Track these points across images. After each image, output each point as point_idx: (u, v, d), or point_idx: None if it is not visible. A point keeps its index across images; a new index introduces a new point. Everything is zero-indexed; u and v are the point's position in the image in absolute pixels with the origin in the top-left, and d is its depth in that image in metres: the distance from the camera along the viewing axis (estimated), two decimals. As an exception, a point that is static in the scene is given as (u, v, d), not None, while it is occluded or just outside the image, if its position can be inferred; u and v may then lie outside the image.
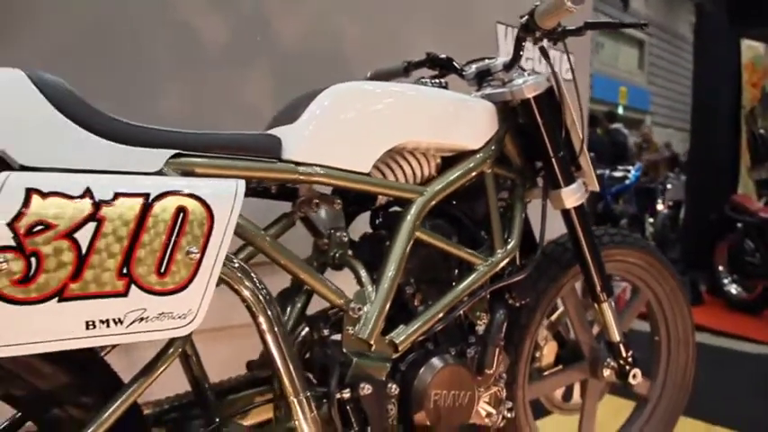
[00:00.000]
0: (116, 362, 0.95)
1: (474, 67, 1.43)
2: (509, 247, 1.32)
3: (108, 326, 0.75)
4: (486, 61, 1.41)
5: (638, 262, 1.67)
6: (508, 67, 1.34)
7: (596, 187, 1.46)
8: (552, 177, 1.38)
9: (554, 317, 1.63)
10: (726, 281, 4.48)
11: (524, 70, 1.38)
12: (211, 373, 1.09)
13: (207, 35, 1.68)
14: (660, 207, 6.74)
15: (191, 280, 0.80)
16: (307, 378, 1.05)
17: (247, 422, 1.13)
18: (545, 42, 1.31)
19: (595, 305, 1.51)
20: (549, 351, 1.62)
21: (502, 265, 1.30)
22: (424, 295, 1.25)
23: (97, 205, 0.74)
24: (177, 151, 0.91)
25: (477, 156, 1.28)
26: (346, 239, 1.19)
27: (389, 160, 1.21)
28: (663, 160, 7.93)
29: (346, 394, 1.06)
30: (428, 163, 1.25)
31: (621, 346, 1.54)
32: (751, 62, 5.45)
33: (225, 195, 0.84)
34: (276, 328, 0.95)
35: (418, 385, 1.14)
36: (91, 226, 0.73)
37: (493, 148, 1.31)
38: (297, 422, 0.97)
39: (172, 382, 1.03)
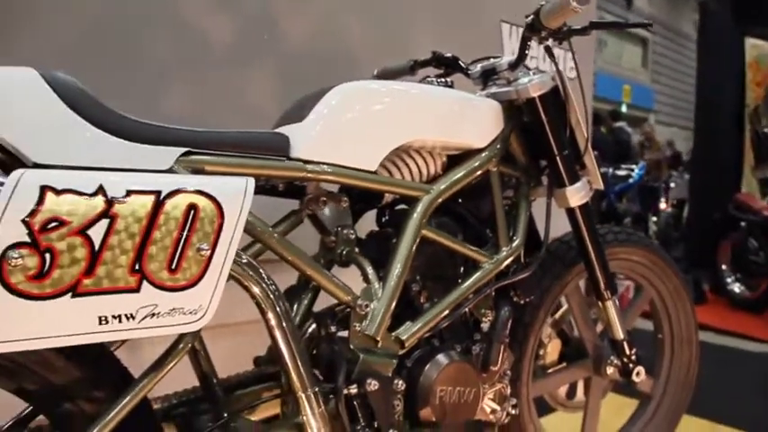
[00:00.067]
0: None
1: (479, 66, 1.43)
2: (514, 245, 1.33)
3: (120, 321, 0.76)
4: (492, 60, 1.42)
5: (642, 260, 1.68)
6: (513, 66, 1.35)
7: (600, 186, 1.47)
8: (557, 176, 1.39)
9: (558, 315, 1.64)
10: (729, 279, 4.49)
11: (529, 69, 1.39)
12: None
13: (213, 35, 1.69)
14: (663, 206, 6.74)
15: (201, 276, 0.81)
16: (314, 374, 1.06)
17: (255, 417, 1.14)
18: (550, 42, 1.31)
19: (599, 303, 1.52)
20: (552, 349, 1.63)
21: (507, 262, 1.31)
22: (430, 292, 1.25)
23: (110, 202, 0.75)
24: (187, 149, 0.92)
25: (483, 154, 1.29)
26: (353, 237, 1.20)
27: (396, 159, 1.22)
28: (665, 159, 7.92)
29: (353, 390, 1.07)
30: (434, 161, 1.26)
31: (625, 343, 1.55)
32: (755, 61, 5.44)
33: (235, 193, 0.84)
34: (285, 324, 0.96)
35: (424, 381, 1.15)
36: (104, 223, 0.74)
37: (498, 146, 1.32)
38: (305, 417, 0.98)
39: (178, 378, 1.04)
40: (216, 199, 0.82)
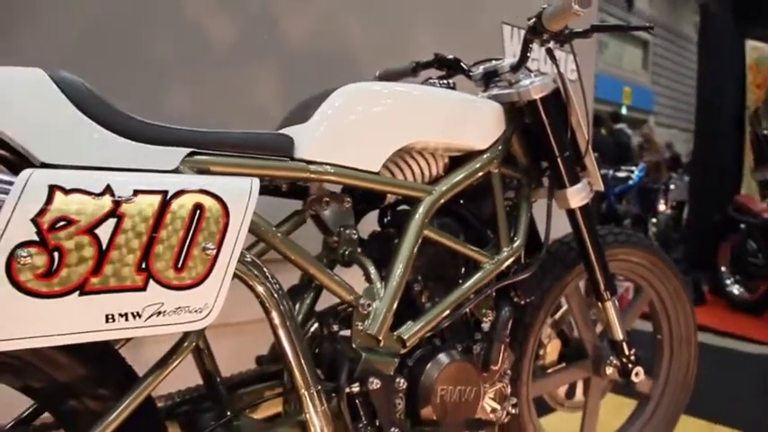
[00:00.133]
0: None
1: (481, 67, 1.44)
2: (515, 245, 1.34)
3: (127, 319, 0.77)
4: (494, 62, 1.43)
5: (642, 261, 1.68)
6: (515, 68, 1.36)
7: (601, 187, 1.48)
8: (558, 177, 1.40)
9: (558, 315, 1.64)
10: (728, 281, 4.50)
11: (531, 71, 1.40)
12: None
13: (214, 35, 1.69)
14: (661, 208, 6.75)
15: (207, 275, 0.82)
16: (316, 372, 1.07)
17: (258, 415, 1.16)
18: (552, 44, 1.32)
19: (599, 304, 1.52)
20: (552, 349, 1.64)
21: (507, 263, 1.32)
22: (432, 292, 1.27)
23: (117, 202, 0.76)
24: (192, 149, 0.93)
25: (485, 156, 1.30)
26: (356, 237, 1.21)
27: (398, 160, 1.23)
28: (664, 161, 7.93)
29: (356, 388, 1.08)
30: (436, 163, 1.27)
31: (624, 344, 1.56)
32: (755, 63, 5.45)
33: (240, 193, 0.86)
34: (288, 323, 0.97)
35: (425, 380, 1.16)
36: (111, 222, 0.75)
37: (500, 148, 1.33)
38: (307, 415, 0.99)
39: (182, 377, 1.05)
40: (221, 199, 0.83)
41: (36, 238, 0.71)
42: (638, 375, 1.57)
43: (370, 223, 1.36)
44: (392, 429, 1.10)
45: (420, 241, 1.19)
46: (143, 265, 0.78)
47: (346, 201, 1.20)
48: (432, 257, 1.26)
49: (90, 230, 0.74)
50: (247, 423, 1.09)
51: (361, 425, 1.08)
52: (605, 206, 6.43)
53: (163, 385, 0.91)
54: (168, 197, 0.79)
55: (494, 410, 1.31)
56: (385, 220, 1.36)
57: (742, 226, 4.33)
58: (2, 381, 0.84)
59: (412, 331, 1.16)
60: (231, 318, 0.98)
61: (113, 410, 0.85)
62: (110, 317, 0.76)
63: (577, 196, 1.40)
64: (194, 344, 0.91)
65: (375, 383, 1.08)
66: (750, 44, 5.42)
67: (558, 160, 1.38)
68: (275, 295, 0.95)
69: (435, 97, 1.26)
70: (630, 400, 1.89)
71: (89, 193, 0.75)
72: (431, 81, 1.42)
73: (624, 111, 14.17)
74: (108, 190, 0.76)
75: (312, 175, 1.06)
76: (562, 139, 1.38)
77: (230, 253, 0.84)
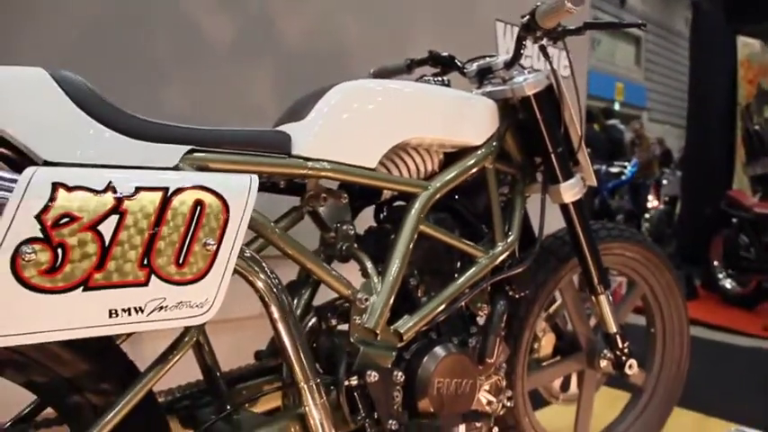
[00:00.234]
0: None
1: (475, 65, 1.46)
2: (509, 240, 1.36)
3: (130, 314, 0.78)
4: (488, 59, 1.45)
5: (635, 255, 1.70)
6: (509, 65, 1.38)
7: (594, 182, 1.50)
8: (551, 172, 1.42)
9: (552, 309, 1.66)
10: (720, 276, 4.52)
11: (524, 68, 1.41)
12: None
13: (210, 34, 1.70)
14: (655, 203, 6.79)
15: (208, 270, 0.83)
16: (315, 366, 1.08)
17: (257, 409, 1.17)
18: (545, 41, 1.34)
19: (593, 297, 1.54)
20: (547, 342, 1.66)
21: (502, 257, 1.34)
22: (428, 287, 1.28)
23: (119, 199, 0.77)
24: (192, 147, 0.94)
25: (479, 152, 1.32)
26: (353, 233, 1.22)
27: (394, 156, 1.24)
28: (654, 158, 7.96)
29: (354, 381, 1.09)
30: (431, 159, 1.29)
31: (618, 337, 1.58)
32: (747, 59, 5.49)
33: (240, 189, 0.87)
34: (288, 317, 0.98)
35: (422, 373, 1.18)
36: (113, 218, 0.76)
37: (494, 144, 1.34)
38: (306, 408, 1.00)
39: (182, 372, 1.06)
40: (221, 195, 0.84)
41: (40, 234, 0.72)
42: (632, 368, 1.59)
43: (366, 219, 1.37)
44: (390, 421, 1.11)
45: (416, 236, 1.20)
46: (145, 261, 0.79)
47: (343, 197, 1.22)
48: (427, 252, 1.28)
49: (93, 227, 0.75)
50: (247, 417, 1.10)
51: (359, 417, 1.10)
52: (598, 202, 6.46)
53: (163, 380, 0.92)
54: (169, 194, 0.80)
55: (489, 403, 1.33)
56: (381, 215, 1.37)
57: (734, 221, 4.36)
58: (6, 376, 0.85)
59: (409, 325, 1.18)
60: (230, 314, 1.00)
61: (115, 405, 0.86)
62: (113, 312, 0.77)
63: (571, 191, 1.42)
64: (195, 339, 0.92)
65: (373, 376, 1.10)
66: (741, 40, 5.45)
67: (552, 156, 1.40)
68: (274, 290, 0.97)
69: (430, 94, 1.27)
70: (624, 393, 1.91)
71: (92, 191, 0.75)
72: (425, 78, 1.43)
73: (617, 107, 14.21)
74: (110, 187, 0.77)
75: (309, 172, 1.08)
76: (555, 134, 1.40)
77: (230, 248, 0.85)
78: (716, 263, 4.55)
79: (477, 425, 1.22)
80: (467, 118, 1.31)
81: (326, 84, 1.18)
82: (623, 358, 1.58)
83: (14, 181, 0.72)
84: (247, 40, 1.77)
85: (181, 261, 0.81)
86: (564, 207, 1.46)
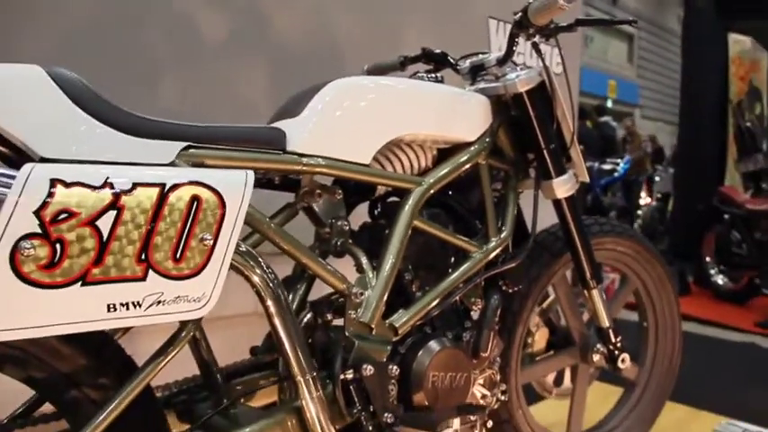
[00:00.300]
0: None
1: (468, 62, 1.47)
2: (503, 235, 1.37)
3: (128, 309, 0.79)
4: (480, 56, 1.46)
5: (627, 250, 1.72)
6: (501, 62, 1.39)
7: (586, 178, 1.51)
8: (544, 168, 1.43)
9: (545, 304, 1.67)
10: (713, 271, 4.55)
11: (517, 65, 1.43)
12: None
13: (204, 31, 1.71)
14: (644, 201, 6.82)
15: (204, 265, 0.84)
16: (311, 360, 1.09)
17: (254, 404, 1.18)
18: (537, 38, 1.35)
19: (585, 292, 1.56)
20: (540, 337, 1.67)
21: (496, 252, 1.35)
22: (422, 281, 1.29)
23: (117, 195, 0.78)
24: (188, 143, 0.95)
25: (472, 148, 1.33)
26: (347, 228, 1.23)
27: (388, 152, 1.25)
28: (646, 155, 8.00)
29: (350, 375, 1.10)
30: (425, 155, 1.30)
31: (611, 331, 1.59)
32: (738, 56, 5.52)
33: (236, 185, 0.88)
34: (284, 311, 0.99)
35: (417, 367, 1.19)
36: (111, 214, 0.77)
37: (487, 140, 1.36)
38: (303, 401, 1.02)
39: (179, 367, 1.07)
40: (218, 191, 0.85)
41: (39, 230, 0.73)
42: (625, 362, 1.60)
43: (361, 215, 1.38)
44: (385, 414, 1.12)
45: (410, 231, 1.21)
46: (143, 256, 0.80)
47: (337, 193, 1.23)
48: (422, 247, 1.29)
49: (91, 222, 0.76)
50: (244, 411, 1.11)
51: (355, 410, 1.10)
52: (591, 198, 6.49)
53: (160, 375, 0.92)
54: (166, 189, 0.81)
55: (484, 396, 1.34)
56: (375, 211, 1.38)
57: (726, 217, 4.39)
58: (4, 372, 0.85)
59: (403, 319, 1.19)
60: (224, 311, 1.00)
61: (113, 400, 0.86)
62: (111, 306, 0.78)
63: (563, 187, 1.43)
64: (192, 333, 0.92)
65: (369, 370, 1.11)
66: (733, 37, 5.48)
67: (544, 152, 1.41)
68: (271, 285, 0.97)
69: (423, 91, 1.28)
70: (617, 388, 1.92)
71: (89, 187, 0.76)
72: (419, 75, 1.44)
73: (610, 104, 14.25)
74: (107, 183, 0.78)
75: (304, 168, 1.09)
76: (548, 131, 1.41)
77: (227, 243, 0.86)
78: (708, 259, 4.58)
79: (472, 418, 1.23)
80: (460, 114, 1.32)
81: (320, 81, 1.19)
82: (616, 352, 1.59)
83: (12, 177, 0.73)
84: (241, 36, 1.78)
85: (178, 256, 0.82)
86: (557, 203, 1.48)
